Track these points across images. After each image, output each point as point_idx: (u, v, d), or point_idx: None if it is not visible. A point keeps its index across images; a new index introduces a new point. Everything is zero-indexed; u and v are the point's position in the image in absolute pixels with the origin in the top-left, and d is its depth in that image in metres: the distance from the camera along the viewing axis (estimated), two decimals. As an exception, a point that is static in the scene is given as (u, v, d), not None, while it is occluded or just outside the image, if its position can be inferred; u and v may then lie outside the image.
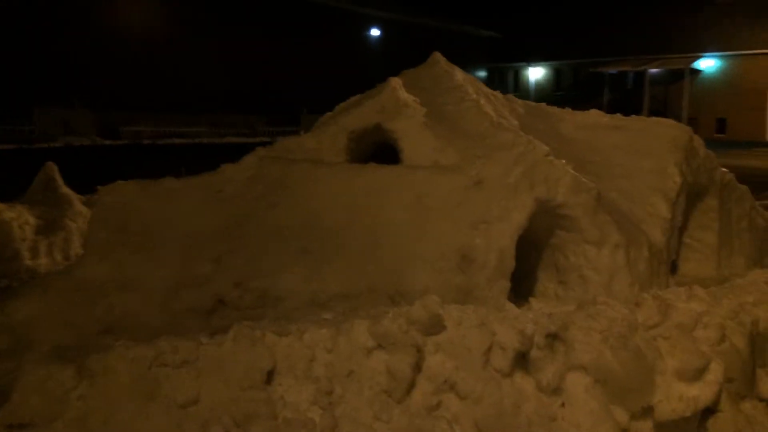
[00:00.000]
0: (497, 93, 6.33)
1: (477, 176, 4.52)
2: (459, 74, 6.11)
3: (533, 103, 6.41)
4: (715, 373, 2.97)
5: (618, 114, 6.09)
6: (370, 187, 4.61)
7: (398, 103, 5.13)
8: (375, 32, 36.43)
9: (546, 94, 41.48)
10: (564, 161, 4.59)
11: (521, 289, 4.92)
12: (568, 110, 6.29)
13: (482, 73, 43.34)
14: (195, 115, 27.45)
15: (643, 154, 5.52)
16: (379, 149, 5.36)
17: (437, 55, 6.36)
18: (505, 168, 4.49)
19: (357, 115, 5.16)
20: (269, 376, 2.92)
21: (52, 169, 7.51)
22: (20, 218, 6.79)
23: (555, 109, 6.31)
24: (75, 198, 7.52)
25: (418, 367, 2.99)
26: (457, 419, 2.88)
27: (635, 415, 2.95)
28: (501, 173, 4.47)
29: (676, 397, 2.92)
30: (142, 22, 27.03)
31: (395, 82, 5.31)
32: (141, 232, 4.51)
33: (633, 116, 6.05)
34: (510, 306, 3.31)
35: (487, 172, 4.53)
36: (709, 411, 3.05)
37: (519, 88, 45.30)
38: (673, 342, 3.06)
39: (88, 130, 26.29)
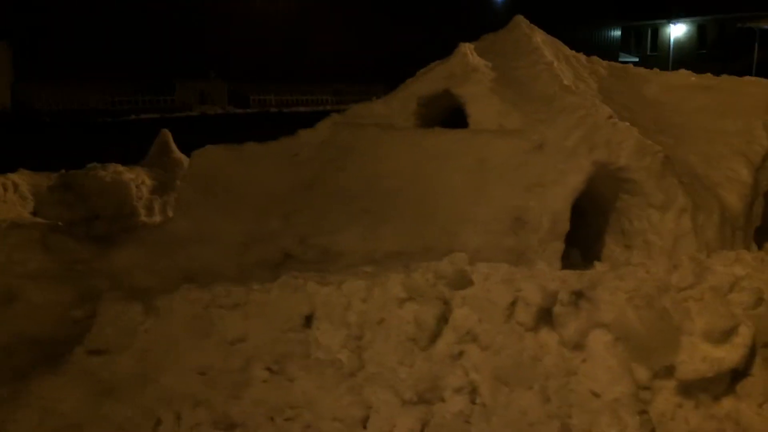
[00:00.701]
0: (580, 55, 6.22)
1: (538, 140, 4.56)
2: (539, 37, 6.05)
3: (619, 65, 6.23)
4: (744, 336, 2.92)
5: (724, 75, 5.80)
6: (433, 151, 4.77)
7: (467, 68, 5.21)
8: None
9: (687, 53, 38.56)
10: (628, 124, 4.51)
11: (590, 253, 4.93)
12: (655, 71, 6.06)
13: (616, 33, 40.78)
14: (320, 85, 28.41)
15: (730, 116, 5.27)
16: (450, 114, 5.48)
17: (518, 18, 6.32)
18: (565, 131, 4.50)
19: (427, 80, 5.31)
20: (308, 321, 3.23)
21: (167, 135, 8.24)
22: (138, 179, 7.55)
23: (641, 71, 6.10)
24: (186, 161, 8.23)
25: (444, 319, 3.18)
26: (477, 368, 3.05)
27: (658, 373, 2.98)
28: (561, 136, 4.48)
29: (700, 357, 2.91)
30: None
31: (465, 47, 5.38)
32: (222, 191, 4.96)
33: (724, 76, 5.74)
34: (542, 265, 3.39)
35: (548, 136, 4.55)
36: (740, 374, 3.02)
37: (657, 48, 42.40)
38: (704, 304, 3.03)
39: (221, 99, 28.05)
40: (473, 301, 3.18)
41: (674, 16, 41.48)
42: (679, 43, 41.95)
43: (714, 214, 4.52)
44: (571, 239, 5.30)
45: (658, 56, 41.99)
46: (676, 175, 4.47)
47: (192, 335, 3.19)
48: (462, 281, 3.23)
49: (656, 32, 43.46)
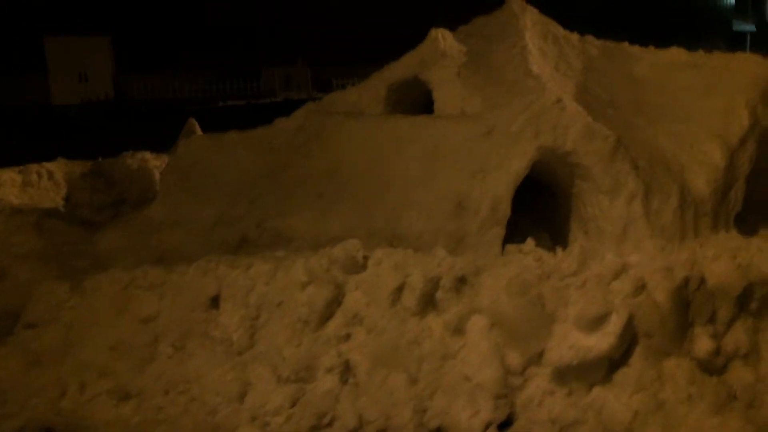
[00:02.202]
0: (572, 35, 6.04)
1: (488, 125, 4.55)
2: (528, 18, 5.93)
3: (613, 44, 6.00)
4: (615, 324, 2.88)
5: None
6: (391, 137, 4.85)
7: (436, 54, 5.23)
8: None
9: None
10: (577, 107, 4.42)
11: (559, 237, 4.89)
12: (650, 49, 5.81)
13: None
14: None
15: (714, 94, 5.02)
16: (427, 100, 5.51)
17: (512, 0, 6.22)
18: (513, 116, 4.46)
19: (396, 67, 5.37)
20: (215, 302, 3.45)
21: (193, 125, 8.66)
22: (163, 166, 8.02)
23: (635, 49, 5.85)
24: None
25: (337, 302, 3.32)
26: (359, 349, 3.18)
27: (532, 359, 3.01)
28: (509, 121, 4.45)
29: (568, 345, 2.91)
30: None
31: (437, 32, 5.38)
32: (200, 178, 5.26)
33: (716, 52, 5.44)
34: (442, 253, 3.45)
35: (498, 120, 4.53)
36: (618, 363, 2.98)
37: None
38: (582, 291, 3.01)
39: (305, 85, 28.74)
40: (364, 285, 3.30)
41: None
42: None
43: (671, 199, 4.37)
44: (542, 223, 5.28)
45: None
46: (629, 160, 4.34)
47: (110, 313, 3.49)
48: (355, 266, 3.36)
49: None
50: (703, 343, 3.03)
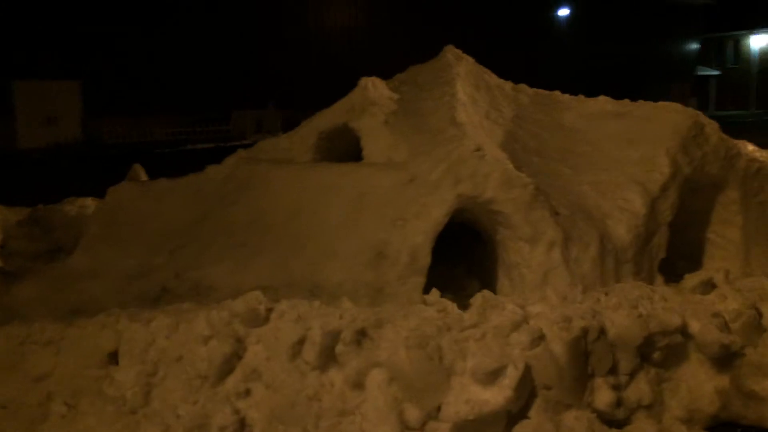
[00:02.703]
0: (506, 84, 6.17)
1: (411, 173, 4.55)
2: (463, 67, 6.04)
3: (545, 92, 6.13)
4: (511, 377, 2.84)
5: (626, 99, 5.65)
6: (316, 185, 4.83)
7: (365, 101, 5.26)
8: (563, 12, 34.82)
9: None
10: (497, 156, 4.45)
11: (490, 284, 4.86)
12: (579, 98, 5.95)
13: (694, 46, 39.49)
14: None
15: (637, 143, 5.11)
16: (359, 148, 5.53)
17: (447, 48, 6.34)
18: (434, 164, 4.47)
19: (327, 115, 5.39)
20: (113, 357, 3.33)
21: (137, 170, 8.58)
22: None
23: (566, 98, 5.98)
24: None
25: (238, 356, 3.22)
26: (257, 405, 3.08)
27: (430, 413, 2.93)
28: (429, 169, 4.46)
29: (464, 399, 2.85)
30: (330, 27, 29.00)
31: (366, 81, 5.44)
32: (124, 227, 5.15)
33: (640, 102, 5.57)
34: (348, 304, 3.39)
35: (420, 169, 4.54)
36: (518, 416, 2.93)
37: (739, 60, 41.00)
38: (480, 344, 2.97)
39: (275, 127, 28.78)
40: (265, 339, 3.22)
41: (756, 27, 40.03)
42: (764, 54, 40.37)
43: (591, 247, 4.38)
44: (473, 270, 5.26)
45: (740, 68, 40.62)
46: (548, 207, 4.36)
47: (3, 369, 3.34)
48: (257, 319, 3.28)
49: (737, 44, 42.02)
50: (603, 395, 3.00)
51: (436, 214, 4.27)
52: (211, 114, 26.67)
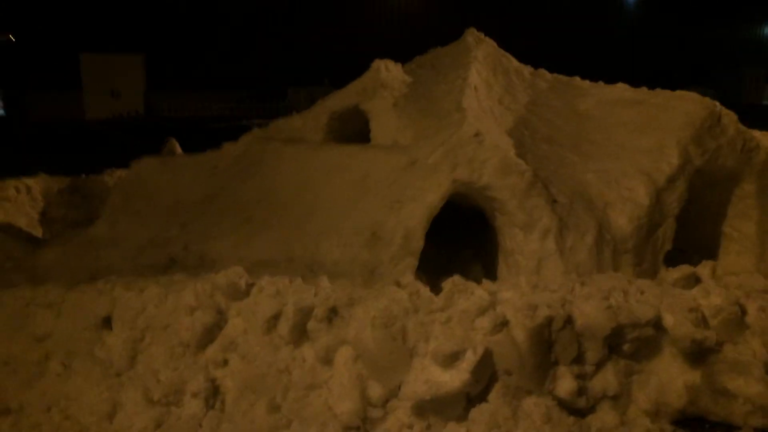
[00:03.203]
0: (525, 68, 6.12)
1: (412, 156, 4.61)
2: (482, 50, 6.02)
3: (565, 78, 6.05)
4: (469, 361, 2.90)
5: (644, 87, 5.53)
6: (323, 165, 4.94)
7: (376, 84, 5.32)
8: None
9: None
10: (497, 142, 4.46)
11: (491, 269, 4.91)
12: (599, 84, 5.84)
13: None
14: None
15: (649, 132, 5.02)
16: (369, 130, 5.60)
17: (468, 31, 6.31)
18: (433, 148, 4.52)
19: (339, 96, 5.48)
20: (107, 322, 3.55)
21: (173, 144, 8.87)
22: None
23: (585, 84, 5.89)
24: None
25: (219, 327, 3.39)
26: (232, 375, 3.24)
27: (393, 392, 3.03)
28: (428, 153, 4.51)
29: (423, 379, 2.93)
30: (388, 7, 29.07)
31: (379, 63, 5.48)
32: (144, 199, 5.39)
33: (658, 90, 5.44)
34: (325, 282, 3.51)
35: (421, 153, 4.59)
36: (477, 399, 3.00)
37: None
38: (446, 327, 3.04)
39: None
40: (244, 312, 3.37)
41: None
42: None
43: (588, 236, 4.36)
44: (479, 254, 5.30)
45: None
46: (545, 195, 4.35)
47: (8, 328, 3.61)
48: (237, 293, 3.43)
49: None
50: (565, 383, 3.03)
51: (431, 198, 4.32)
52: (267, 90, 27.11)
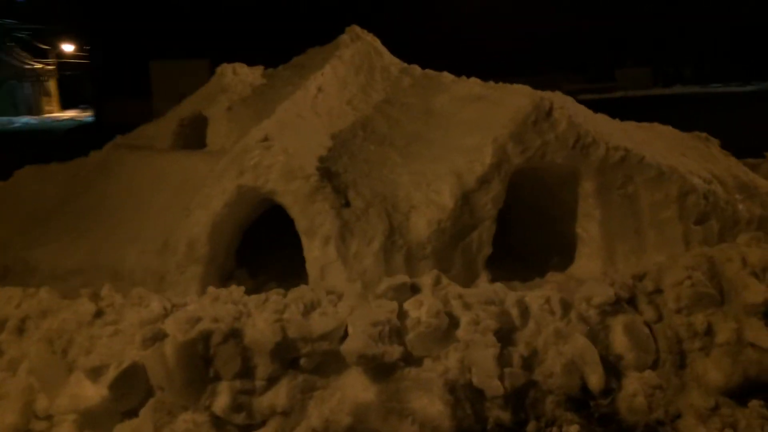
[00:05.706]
0: (394, 66, 5.97)
1: (216, 163, 4.61)
2: (351, 49, 5.92)
3: (433, 74, 5.84)
4: (110, 376, 2.92)
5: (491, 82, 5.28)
6: (152, 172, 5.03)
7: (217, 89, 5.35)
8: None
9: None
10: (286, 147, 4.38)
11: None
12: (460, 80, 5.61)
13: None
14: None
15: (479, 130, 4.80)
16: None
17: (349, 29, 6.22)
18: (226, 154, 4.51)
19: (189, 102, 5.53)
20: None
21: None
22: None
23: (447, 80, 5.65)
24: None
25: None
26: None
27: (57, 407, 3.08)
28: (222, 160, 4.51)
29: (72, 393, 2.97)
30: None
31: (225, 68, 5.50)
32: (11, 207, 5.64)
33: (501, 84, 5.18)
34: (44, 292, 3.58)
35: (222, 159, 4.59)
36: (133, 414, 3.01)
37: None
38: (110, 340, 3.06)
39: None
40: None
41: None
42: None
43: (374, 242, 4.23)
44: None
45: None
46: (330, 201, 4.25)
47: None
48: None
49: None
50: (221, 399, 3.00)
51: (215, 205, 4.32)
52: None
